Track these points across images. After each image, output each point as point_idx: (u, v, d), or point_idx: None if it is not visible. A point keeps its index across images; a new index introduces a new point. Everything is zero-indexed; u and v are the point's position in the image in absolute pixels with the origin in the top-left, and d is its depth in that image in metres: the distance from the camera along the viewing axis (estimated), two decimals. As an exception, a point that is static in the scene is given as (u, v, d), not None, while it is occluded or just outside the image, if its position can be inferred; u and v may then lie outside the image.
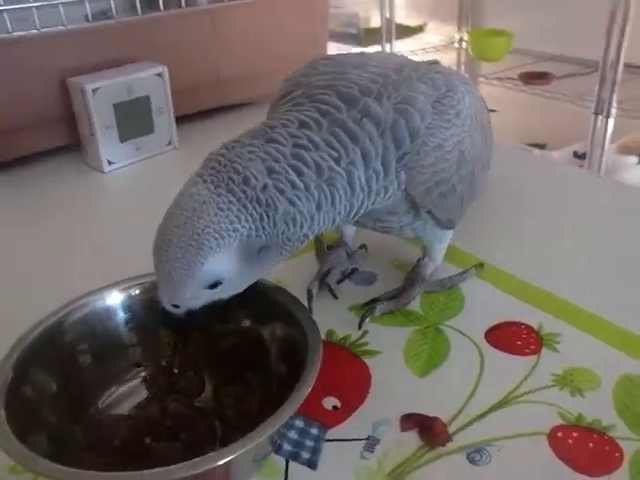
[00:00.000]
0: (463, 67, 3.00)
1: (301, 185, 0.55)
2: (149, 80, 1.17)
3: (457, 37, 3.01)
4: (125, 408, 0.60)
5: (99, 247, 0.91)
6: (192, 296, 0.55)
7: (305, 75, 0.67)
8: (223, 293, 0.56)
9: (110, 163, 1.17)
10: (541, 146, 2.50)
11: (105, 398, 0.61)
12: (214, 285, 0.54)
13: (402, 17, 3.12)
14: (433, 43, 3.05)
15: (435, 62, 0.71)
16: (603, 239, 0.87)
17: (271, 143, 0.56)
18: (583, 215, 0.94)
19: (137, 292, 0.62)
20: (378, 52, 0.71)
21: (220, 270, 0.53)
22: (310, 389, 0.49)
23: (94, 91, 1.12)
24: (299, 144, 0.56)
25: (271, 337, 0.61)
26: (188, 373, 0.62)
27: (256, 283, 0.59)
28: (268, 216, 0.54)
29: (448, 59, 2.98)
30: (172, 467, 0.45)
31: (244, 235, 0.53)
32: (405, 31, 3.08)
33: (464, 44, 2.96)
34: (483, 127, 0.72)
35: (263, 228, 0.54)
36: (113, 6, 1.19)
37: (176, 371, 0.62)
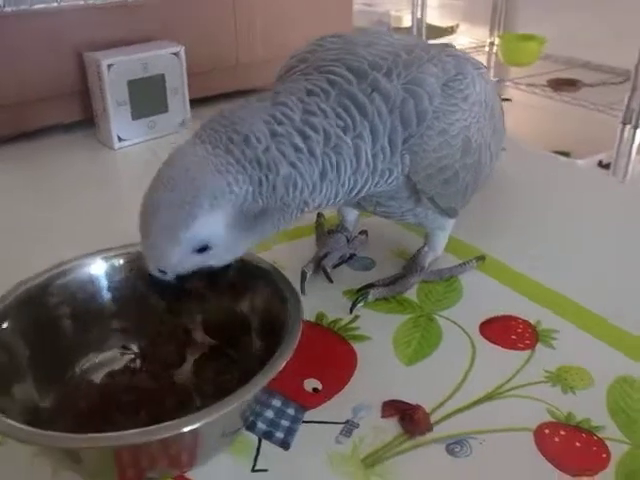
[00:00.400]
0: (492, 71, 2.96)
1: (305, 149, 0.53)
2: (165, 59, 1.17)
3: (488, 40, 2.97)
4: (101, 375, 0.59)
5: (99, 219, 0.90)
6: (180, 261, 0.52)
7: (312, 52, 0.65)
8: (214, 260, 0.54)
9: (121, 140, 1.16)
10: (565, 154, 2.45)
11: (84, 364, 0.60)
12: (203, 249, 0.52)
13: (434, 17, 3.09)
14: (463, 45, 3.01)
15: (449, 45, 0.69)
16: (613, 241, 0.84)
17: (278, 106, 0.54)
18: (594, 216, 0.91)
19: (122, 261, 0.61)
20: (389, 32, 0.69)
21: (210, 234, 0.51)
22: (284, 364, 0.48)
23: (109, 66, 1.11)
24: (308, 110, 0.55)
25: (252, 313, 0.59)
26: (169, 344, 0.61)
27: (245, 259, 0.58)
28: (268, 179, 0.52)
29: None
30: (130, 432, 0.43)
31: (240, 198, 0.50)
32: (436, 32, 3.04)
33: (495, 48, 2.92)
34: (493, 115, 0.69)
35: (260, 193, 0.51)
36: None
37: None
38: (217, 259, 0.54)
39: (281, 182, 0.52)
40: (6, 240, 0.85)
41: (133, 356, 0.61)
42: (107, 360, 0.61)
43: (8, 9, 1.09)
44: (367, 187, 0.60)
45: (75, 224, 0.89)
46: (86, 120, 1.22)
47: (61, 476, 0.50)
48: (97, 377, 0.58)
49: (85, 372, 0.59)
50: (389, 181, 0.61)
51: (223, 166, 0.50)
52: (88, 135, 1.22)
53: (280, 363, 0.47)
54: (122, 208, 0.93)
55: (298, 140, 0.53)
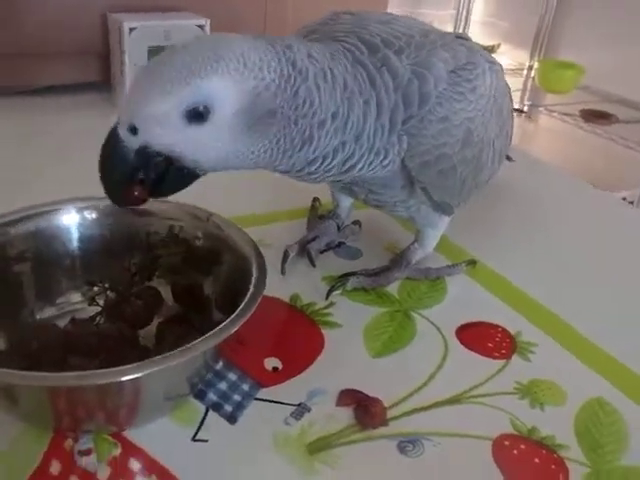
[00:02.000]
0: (528, 94, 2.92)
1: (329, 82, 0.52)
2: (189, 30, 1.15)
3: (527, 64, 2.94)
4: (66, 322, 0.57)
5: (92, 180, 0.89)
6: (161, 119, 0.46)
7: (323, 24, 0.63)
8: (193, 148, 0.48)
9: (135, 105, 1.15)
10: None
11: (50, 311, 0.58)
12: (195, 117, 0.47)
13: (476, 34, 3.06)
14: (501, 65, 2.97)
15: (464, 36, 0.67)
16: (612, 266, 0.80)
17: (312, 43, 0.54)
18: (598, 239, 0.87)
19: (95, 214, 0.59)
20: (406, 16, 0.67)
21: (214, 97, 0.46)
22: (232, 331, 0.45)
23: (131, 30, 1.10)
24: (334, 58, 0.54)
25: (215, 285, 0.58)
26: (137, 302, 0.59)
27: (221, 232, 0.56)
28: (295, 80, 0.50)
29: (514, 83, 2.91)
30: (66, 374, 0.42)
31: (264, 82, 0.48)
32: (476, 49, 3.01)
33: (533, 72, 2.88)
34: (501, 114, 0.67)
35: (283, 90, 0.49)
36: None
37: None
38: (197, 148, 0.48)
39: (304, 91, 0.50)
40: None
41: (100, 309, 0.59)
42: (74, 310, 0.59)
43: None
44: (362, 164, 0.58)
45: (71, 179, 0.87)
46: (104, 82, 1.22)
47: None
48: (61, 323, 0.57)
49: (49, 318, 0.58)
50: (384, 163, 0.59)
51: (262, 46, 0.49)
52: (104, 97, 1.22)
53: (223, 333, 0.45)
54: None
55: (326, 73, 0.52)
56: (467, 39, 0.66)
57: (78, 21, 1.16)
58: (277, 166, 0.55)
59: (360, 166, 0.58)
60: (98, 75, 1.23)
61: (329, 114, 0.53)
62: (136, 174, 0.50)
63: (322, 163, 0.56)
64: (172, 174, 0.50)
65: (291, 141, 0.52)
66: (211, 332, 0.45)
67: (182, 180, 0.52)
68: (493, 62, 0.66)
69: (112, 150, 0.49)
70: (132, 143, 0.48)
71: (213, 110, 0.47)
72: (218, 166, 0.51)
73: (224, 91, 0.47)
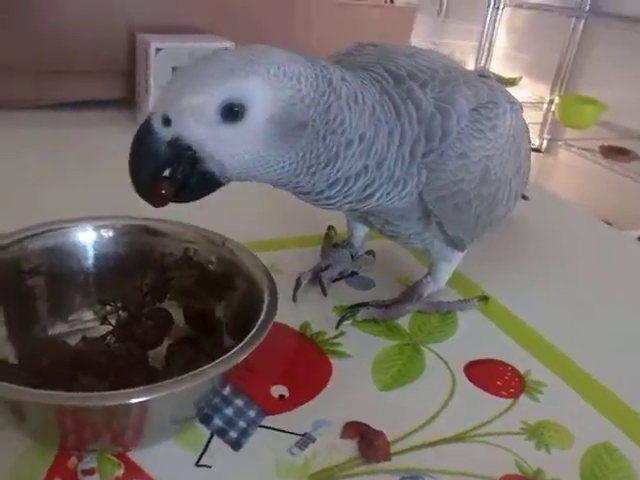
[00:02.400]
0: (547, 128, 2.92)
1: (360, 104, 0.53)
2: (214, 52, 1.17)
3: (548, 98, 2.94)
4: (77, 339, 0.58)
5: (112, 195, 0.90)
6: (197, 113, 0.47)
7: (349, 55, 0.64)
8: (224, 149, 0.48)
9: (157, 124, 1.17)
10: (607, 224, 2.39)
11: (61, 328, 0.59)
12: (230, 115, 0.47)
13: (498, 66, 3.08)
14: (522, 98, 2.98)
15: (486, 74, 0.67)
16: (628, 311, 0.79)
17: (344, 69, 0.55)
18: (612, 279, 0.87)
19: (112, 233, 0.60)
20: (430, 50, 0.68)
21: (252, 97, 0.47)
22: (241, 359, 0.46)
23: (157, 50, 1.12)
24: (364, 83, 0.55)
25: (227, 310, 0.58)
26: (148, 323, 0.60)
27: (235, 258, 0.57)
28: (329, 97, 0.50)
29: (534, 117, 2.91)
30: (74, 394, 0.42)
31: (300, 93, 0.49)
32: (497, 81, 3.02)
33: (553, 106, 2.88)
34: (519, 154, 0.67)
35: (318, 103, 0.50)
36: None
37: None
38: (226, 149, 0.48)
39: (336, 108, 0.51)
40: (18, 194, 0.85)
41: (111, 328, 0.60)
42: (86, 328, 0.60)
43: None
44: (380, 193, 0.58)
45: (87, 194, 0.89)
46: (128, 99, 1.23)
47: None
48: (72, 341, 0.57)
49: (61, 335, 0.58)
50: (402, 194, 0.59)
51: (300, 61, 0.50)
52: (128, 115, 1.23)
53: (233, 360, 0.45)
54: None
55: (357, 96, 0.53)
56: (489, 77, 0.67)
57: (107, 40, 1.18)
58: (298, 183, 0.54)
59: (379, 195, 0.58)
60: (123, 92, 1.25)
61: (357, 135, 0.53)
62: (165, 168, 0.49)
63: (343, 187, 0.56)
64: (196, 178, 0.50)
65: (317, 157, 0.52)
66: (220, 359, 0.45)
67: (205, 186, 0.51)
68: (514, 102, 0.67)
69: (144, 140, 0.49)
70: (164, 135, 0.48)
71: (248, 111, 0.47)
72: (242, 173, 0.51)
73: (261, 94, 0.48)
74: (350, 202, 0.58)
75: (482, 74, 0.66)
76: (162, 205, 0.51)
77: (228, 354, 0.46)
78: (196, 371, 0.45)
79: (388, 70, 0.58)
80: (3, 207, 0.79)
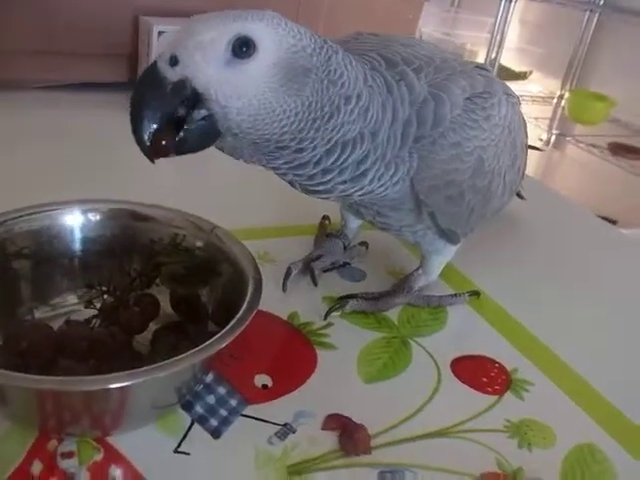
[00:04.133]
0: (556, 123, 2.90)
1: (355, 66, 0.53)
2: (218, 37, 1.16)
3: (558, 93, 2.92)
4: (60, 322, 0.57)
5: (105, 176, 0.90)
6: (207, 50, 0.46)
7: (346, 42, 0.64)
8: (233, 89, 0.47)
9: (158, 108, 1.16)
10: (612, 222, 2.38)
11: (45, 311, 0.59)
12: (241, 50, 0.46)
13: (509, 59, 3.05)
14: (532, 93, 2.96)
15: (484, 67, 0.66)
16: (624, 312, 0.79)
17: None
18: (612, 280, 0.86)
19: (99, 216, 0.60)
20: (430, 42, 0.67)
21: (261, 37, 0.47)
22: (221, 346, 0.46)
23: (160, 33, 1.11)
24: (357, 60, 0.55)
25: (211, 297, 0.58)
26: (134, 308, 0.59)
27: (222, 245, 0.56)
28: (327, 51, 0.51)
29: (543, 111, 2.89)
30: (52, 378, 0.42)
31: (302, 42, 0.49)
32: (507, 74, 3.00)
33: (563, 101, 2.86)
34: (514, 146, 0.66)
35: (319, 53, 0.50)
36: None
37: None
38: (232, 91, 0.47)
39: (335, 61, 0.51)
40: (17, 173, 0.85)
41: (96, 312, 0.60)
42: (70, 312, 0.60)
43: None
44: (372, 174, 0.57)
45: (85, 174, 0.89)
46: (130, 82, 1.23)
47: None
48: (55, 324, 0.57)
49: (46, 318, 0.58)
50: (394, 180, 0.58)
51: (297, 26, 0.50)
52: (128, 98, 1.22)
53: (212, 348, 0.45)
54: (133, 174, 0.93)
55: (352, 61, 0.53)
56: (487, 70, 0.66)
57: (111, 22, 1.18)
58: (300, 144, 0.52)
59: (371, 175, 0.57)
60: (125, 75, 1.25)
61: (355, 92, 0.53)
62: (169, 110, 0.47)
63: (340, 155, 0.54)
64: (198, 125, 0.48)
65: (321, 108, 0.51)
66: (199, 346, 0.45)
67: (205, 134, 0.49)
68: (510, 94, 0.66)
69: (148, 80, 0.47)
70: (171, 75, 0.46)
71: (257, 50, 0.47)
72: (245, 121, 0.48)
73: (268, 37, 0.48)
74: (344, 181, 0.57)
75: (480, 66, 0.65)
76: (160, 156, 0.49)
77: (207, 342, 0.46)
78: (175, 358, 0.45)
79: (382, 55, 0.58)
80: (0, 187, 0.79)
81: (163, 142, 0.48)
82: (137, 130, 0.47)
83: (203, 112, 0.48)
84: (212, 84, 0.46)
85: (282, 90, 0.48)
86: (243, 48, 0.46)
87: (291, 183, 0.59)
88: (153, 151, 0.48)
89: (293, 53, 0.48)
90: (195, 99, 0.47)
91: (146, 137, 0.47)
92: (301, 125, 0.51)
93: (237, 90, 0.47)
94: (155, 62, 0.47)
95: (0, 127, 1.03)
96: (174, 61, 0.46)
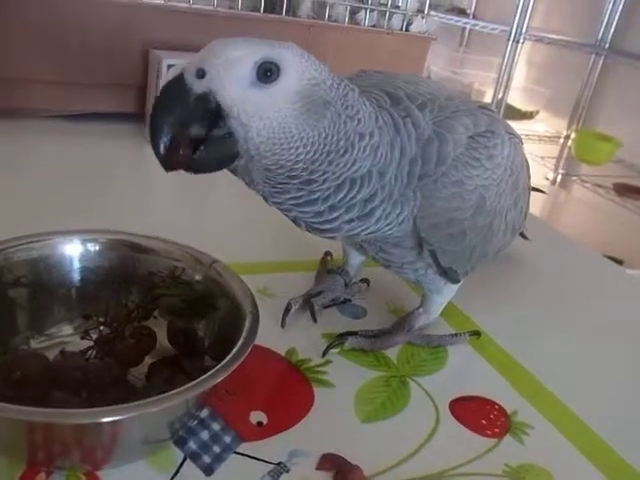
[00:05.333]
0: (562, 163, 2.91)
1: (368, 106, 0.54)
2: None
3: (565, 133, 2.93)
4: (55, 353, 0.57)
5: (111, 206, 0.90)
6: (233, 68, 0.46)
7: (351, 79, 0.64)
8: (251, 111, 0.47)
9: (164, 140, 1.17)
10: (618, 261, 2.37)
11: (41, 341, 0.58)
12: (265, 74, 0.47)
13: (516, 99, 3.07)
14: (539, 132, 2.98)
15: (488, 107, 0.67)
16: (628, 357, 0.78)
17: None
18: (616, 323, 0.85)
19: (98, 247, 0.60)
20: (435, 81, 0.68)
21: (286, 63, 0.48)
22: (215, 382, 0.45)
23: (169, 66, 1.13)
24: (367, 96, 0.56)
25: (207, 330, 0.58)
26: (130, 340, 0.59)
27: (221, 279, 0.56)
28: (345, 87, 0.52)
29: (550, 151, 2.90)
30: (43, 410, 0.41)
31: (322, 76, 0.50)
32: (514, 114, 3.02)
33: (569, 141, 2.87)
34: (517, 186, 0.66)
35: (337, 88, 0.51)
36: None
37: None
38: (255, 112, 0.47)
39: (351, 97, 0.52)
40: (21, 201, 0.86)
41: (92, 344, 0.59)
42: (66, 342, 0.59)
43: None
44: (380, 213, 0.57)
45: (87, 203, 0.89)
46: (138, 113, 1.24)
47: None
48: (51, 354, 0.57)
49: (41, 348, 0.58)
50: (399, 219, 0.58)
51: (318, 61, 0.52)
52: (137, 129, 1.24)
53: (206, 383, 0.45)
54: (135, 205, 0.94)
55: (364, 101, 0.54)
56: (490, 110, 0.66)
57: (121, 54, 1.19)
58: (312, 175, 0.52)
59: (378, 214, 0.57)
60: (133, 107, 1.26)
61: (368, 130, 0.53)
62: (190, 122, 0.47)
63: (348, 192, 0.54)
64: (216, 142, 0.49)
65: (337, 142, 0.52)
66: (193, 382, 0.45)
67: (222, 152, 0.50)
68: (513, 134, 0.66)
69: (173, 89, 0.47)
70: (196, 87, 0.47)
71: (281, 75, 0.48)
72: (264, 143, 0.49)
73: (292, 65, 0.49)
74: (351, 220, 0.57)
75: (484, 106, 0.66)
76: (174, 167, 0.49)
77: (202, 377, 0.45)
78: (169, 393, 0.44)
79: (386, 92, 0.58)
80: (3, 215, 0.79)
81: (180, 152, 0.48)
82: (155, 135, 0.47)
83: (223, 131, 0.48)
84: (236, 100, 0.47)
85: (302, 118, 0.49)
86: (268, 72, 0.48)
87: (295, 221, 0.59)
88: (168, 160, 0.48)
89: (314, 85, 0.50)
90: (217, 115, 0.48)
91: (163, 144, 0.47)
92: (315, 156, 0.51)
93: (259, 110, 0.48)
94: (181, 73, 0.47)
95: (7, 155, 1.04)
96: (201, 74, 0.46)
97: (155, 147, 0.48)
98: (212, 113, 0.47)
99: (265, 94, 0.48)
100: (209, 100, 0.47)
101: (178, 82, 0.47)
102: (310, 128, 0.50)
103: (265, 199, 0.56)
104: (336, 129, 0.51)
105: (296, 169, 0.52)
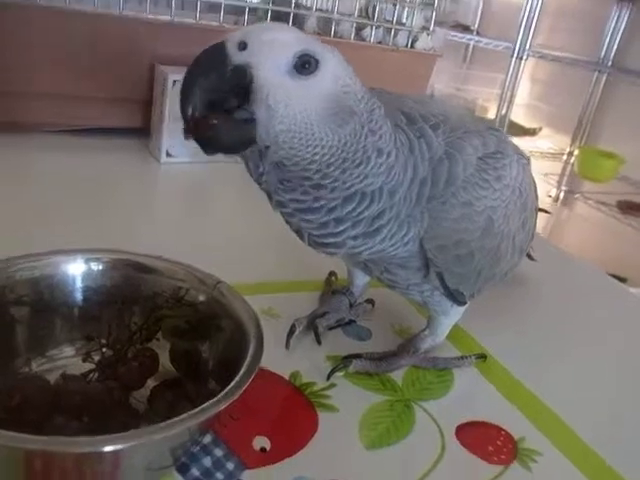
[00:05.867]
0: (565, 179, 2.91)
1: (390, 129, 0.55)
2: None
3: (568, 149, 2.93)
4: (56, 376, 0.56)
5: (112, 222, 0.90)
6: (276, 45, 0.47)
7: None
8: (280, 96, 0.47)
9: (169, 155, 1.17)
10: (622, 279, 2.36)
11: (42, 363, 0.58)
12: (303, 65, 0.48)
13: (519, 115, 3.08)
14: (542, 149, 2.98)
15: (496, 128, 0.66)
16: (634, 377, 0.77)
17: None
18: (625, 345, 0.84)
19: (101, 266, 0.59)
20: (442, 100, 0.68)
21: (324, 60, 0.49)
22: (218, 410, 0.44)
23: (175, 82, 1.12)
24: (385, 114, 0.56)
25: (211, 353, 0.57)
26: (132, 363, 0.58)
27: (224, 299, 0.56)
28: (373, 104, 0.53)
29: (553, 168, 2.91)
30: (42, 438, 0.40)
31: (356, 86, 0.51)
32: (517, 130, 3.02)
33: (572, 158, 2.87)
34: (525, 207, 0.66)
35: (367, 102, 0.52)
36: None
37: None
38: (283, 97, 0.47)
39: (377, 113, 0.53)
40: (24, 218, 0.85)
41: (94, 366, 0.58)
42: (67, 365, 0.58)
43: (99, 10, 1.13)
44: (385, 232, 0.56)
45: (91, 220, 0.88)
46: (144, 129, 1.24)
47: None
48: (52, 377, 0.56)
49: (42, 370, 0.57)
50: (405, 240, 0.58)
51: (354, 72, 0.53)
52: (142, 144, 1.24)
53: (213, 409, 0.44)
54: (139, 224, 0.93)
55: (387, 120, 0.55)
56: (499, 131, 0.66)
57: (127, 69, 1.19)
58: (322, 180, 0.52)
59: (384, 233, 0.57)
60: (139, 121, 1.26)
61: (387, 149, 0.54)
62: (222, 89, 0.47)
63: (357, 206, 0.54)
64: (238, 122, 0.48)
65: (354, 152, 0.52)
66: (195, 410, 0.44)
67: (241, 133, 0.49)
68: (522, 155, 0.66)
69: (214, 54, 0.47)
70: (235, 57, 0.47)
71: (318, 71, 0.49)
72: (282, 133, 0.48)
73: (331, 66, 0.50)
74: (356, 236, 0.56)
75: (493, 127, 0.65)
76: (201, 136, 0.48)
77: (205, 404, 0.44)
78: (171, 420, 0.43)
79: (401, 110, 0.58)
80: (7, 231, 0.79)
81: (202, 120, 0.47)
82: (186, 95, 0.47)
83: (246, 114, 0.48)
84: (269, 81, 0.47)
85: (326, 119, 0.50)
86: (306, 65, 0.48)
87: (298, 233, 0.58)
88: (193, 127, 0.48)
89: (345, 93, 0.50)
90: (246, 93, 0.48)
91: (192, 105, 0.47)
92: (331, 160, 0.51)
93: (288, 99, 0.48)
94: (223, 41, 0.47)
95: (11, 170, 1.03)
96: (242, 46, 0.47)
97: (183, 107, 0.47)
98: (243, 89, 0.47)
99: (298, 84, 0.48)
100: (245, 73, 0.47)
101: (219, 49, 0.47)
102: (331, 131, 0.50)
103: (269, 197, 0.56)
104: (356, 139, 0.52)
105: (309, 169, 0.51)
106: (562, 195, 2.94)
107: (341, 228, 0.55)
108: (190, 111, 0.47)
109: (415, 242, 0.58)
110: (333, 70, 0.50)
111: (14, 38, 1.09)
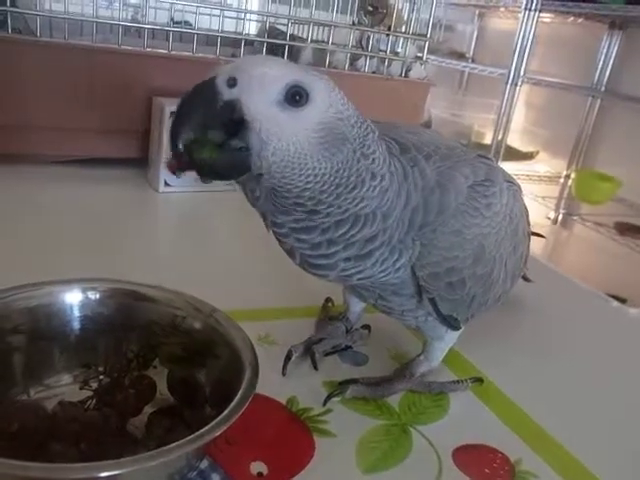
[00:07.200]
0: (563, 202, 2.93)
1: (383, 151, 0.56)
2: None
3: (565, 172, 2.96)
4: (54, 403, 0.57)
5: (110, 250, 0.90)
6: (265, 80, 0.48)
7: None
8: (272, 129, 0.48)
9: (167, 185, 1.18)
10: (622, 300, 2.36)
11: (40, 390, 0.58)
12: (294, 96, 0.48)
13: (515, 140, 3.11)
14: (539, 172, 3.00)
15: (486, 156, 0.67)
16: (631, 401, 0.77)
17: None
18: (623, 368, 0.84)
19: (98, 295, 0.60)
20: (433, 130, 0.69)
21: (315, 91, 0.49)
22: (213, 436, 0.45)
23: (171, 113, 1.14)
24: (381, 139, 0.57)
25: (207, 380, 0.58)
26: (129, 390, 0.59)
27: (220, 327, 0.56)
28: (367, 128, 0.54)
29: (550, 191, 2.92)
30: (37, 465, 0.41)
31: (348, 112, 0.52)
32: (514, 154, 3.05)
33: (569, 181, 2.89)
34: (516, 233, 0.67)
35: (359, 127, 0.53)
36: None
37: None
38: (275, 131, 0.48)
39: (371, 138, 0.54)
40: (22, 248, 0.86)
41: (91, 393, 0.59)
42: (64, 392, 0.59)
43: (98, 44, 1.16)
44: (377, 256, 0.57)
45: (89, 250, 0.89)
46: (142, 159, 1.26)
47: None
48: (49, 404, 0.56)
49: (39, 398, 0.57)
50: (397, 266, 0.58)
51: (346, 98, 0.53)
52: (140, 174, 1.25)
53: (208, 435, 0.44)
54: (135, 253, 0.94)
55: (381, 145, 0.56)
56: (489, 159, 0.67)
57: (125, 101, 1.21)
58: (316, 207, 0.53)
59: (375, 257, 0.57)
60: (137, 152, 1.27)
61: (380, 172, 0.55)
62: (214, 124, 0.48)
63: (350, 229, 0.55)
64: (232, 152, 0.49)
65: (348, 177, 0.53)
66: (191, 436, 0.44)
67: (236, 163, 0.50)
68: (512, 182, 0.67)
69: (203, 91, 0.48)
70: (225, 93, 0.48)
71: (309, 103, 0.49)
72: (275, 164, 0.49)
73: (322, 96, 0.50)
74: (348, 259, 0.57)
75: (482, 155, 0.66)
76: (185, 170, 0.50)
77: (201, 430, 0.45)
78: (168, 446, 0.44)
79: (395, 140, 0.59)
80: (5, 262, 0.80)
81: (195, 154, 0.48)
82: (176, 131, 0.48)
83: (241, 143, 0.49)
84: (260, 115, 0.48)
85: (319, 148, 0.50)
86: (296, 96, 0.49)
87: (290, 252, 0.58)
88: (182, 161, 0.48)
89: (338, 119, 0.51)
90: (238, 126, 0.48)
91: (182, 141, 0.48)
92: (324, 187, 0.52)
93: (280, 131, 0.49)
94: (213, 77, 0.48)
95: (8, 201, 1.04)
96: (232, 82, 0.48)
97: (173, 143, 0.48)
98: (234, 123, 0.48)
99: (289, 117, 0.49)
100: (235, 109, 0.48)
101: (209, 86, 0.48)
102: (325, 160, 0.51)
103: (264, 218, 0.57)
104: (349, 165, 0.52)
105: (303, 197, 0.52)
106: (560, 217, 2.95)
107: (333, 250, 0.56)
108: (180, 146, 0.48)
109: (407, 269, 0.59)
110: (324, 99, 0.51)
111: (13, 72, 1.11)
